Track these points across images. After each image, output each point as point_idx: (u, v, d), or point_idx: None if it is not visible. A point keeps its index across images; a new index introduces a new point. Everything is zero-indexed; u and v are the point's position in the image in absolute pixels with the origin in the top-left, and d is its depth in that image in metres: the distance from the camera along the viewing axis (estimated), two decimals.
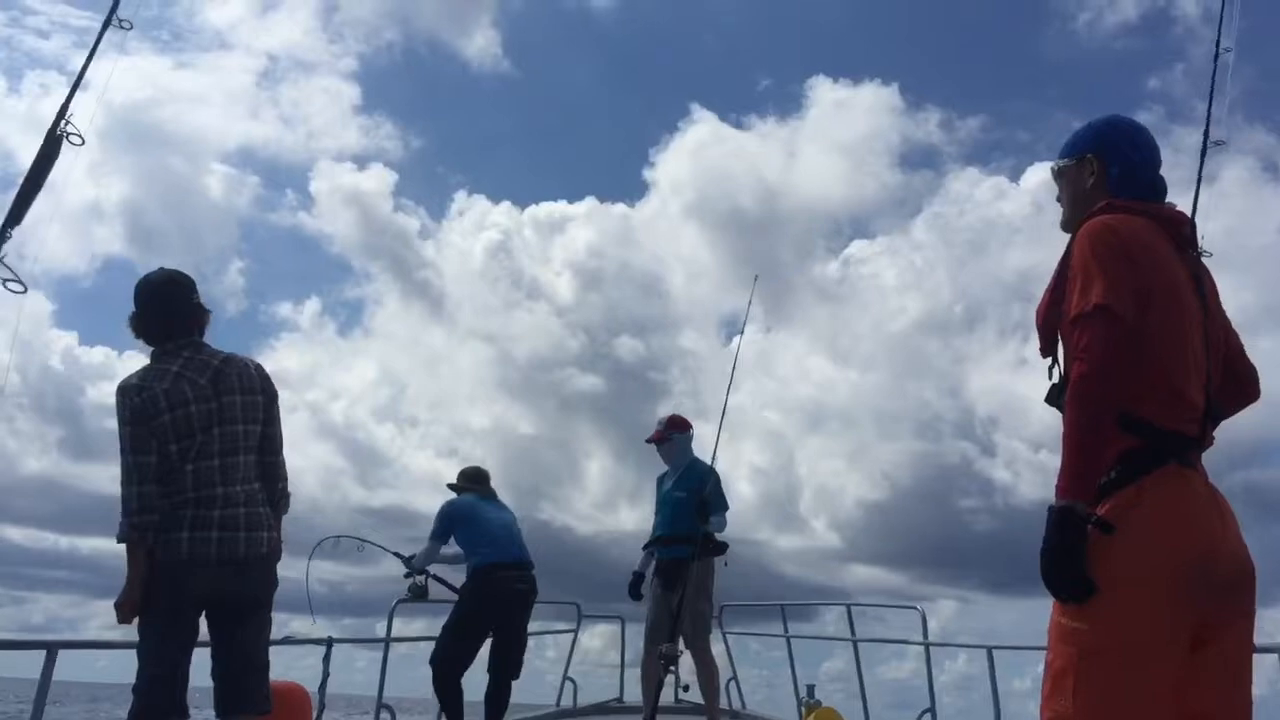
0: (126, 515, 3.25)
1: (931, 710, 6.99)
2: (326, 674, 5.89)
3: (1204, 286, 2.23)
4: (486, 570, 5.91)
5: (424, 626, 7.29)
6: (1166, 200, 2.30)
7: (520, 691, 6.40)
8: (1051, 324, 2.15)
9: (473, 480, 6.35)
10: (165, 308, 3.44)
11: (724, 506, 6.24)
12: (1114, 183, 2.26)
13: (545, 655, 9.14)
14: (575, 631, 8.64)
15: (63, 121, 2.81)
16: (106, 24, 3.12)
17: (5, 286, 2.55)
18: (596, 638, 9.28)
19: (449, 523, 6.13)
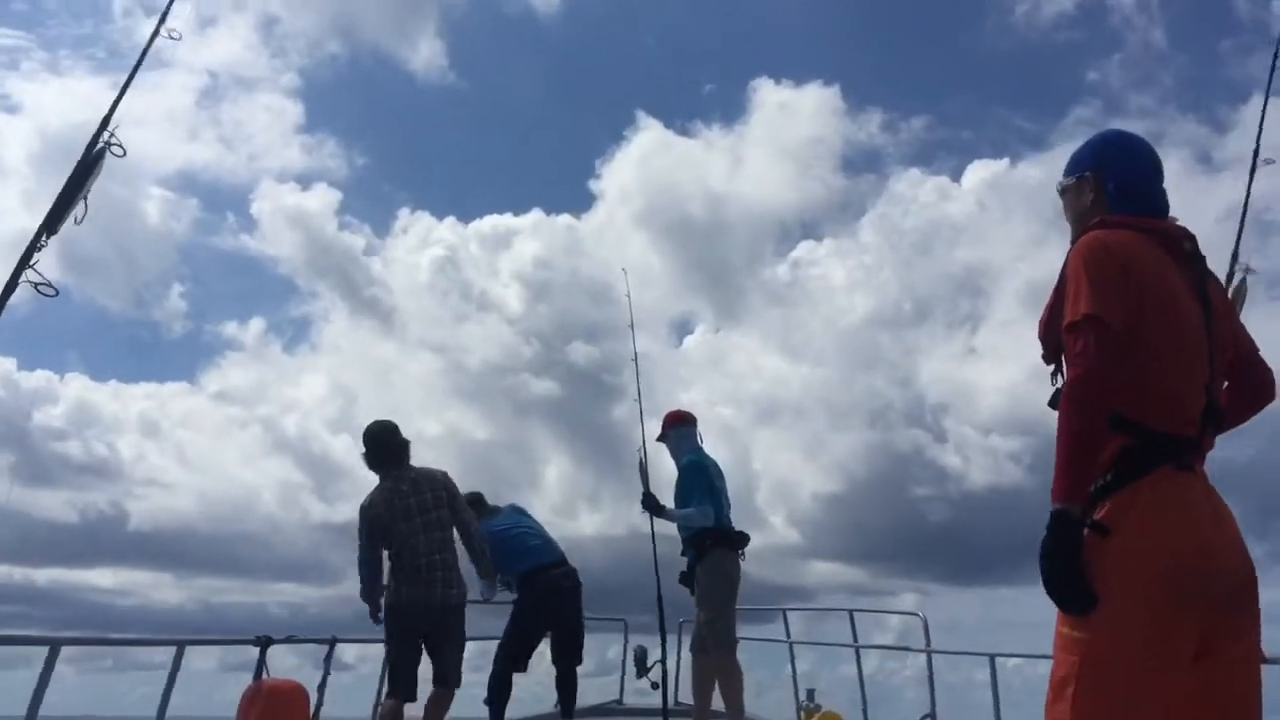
0: (361, 582, 5.27)
1: (932, 715, 6.99)
2: (327, 673, 5.90)
3: (1209, 295, 2.25)
4: (533, 573, 6.27)
5: None
6: (1170, 215, 2.32)
7: (520, 692, 6.44)
8: (1054, 335, 2.19)
9: (473, 506, 6.40)
10: (382, 448, 5.42)
11: (690, 500, 5.88)
12: (1112, 199, 2.30)
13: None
14: None
15: (105, 133, 2.81)
16: (155, 34, 3.06)
17: (38, 291, 2.59)
18: (598, 640, 9.25)
19: None
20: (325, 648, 6.10)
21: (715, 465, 6.15)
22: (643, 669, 6.33)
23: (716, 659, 5.79)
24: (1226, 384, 2.27)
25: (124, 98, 3.21)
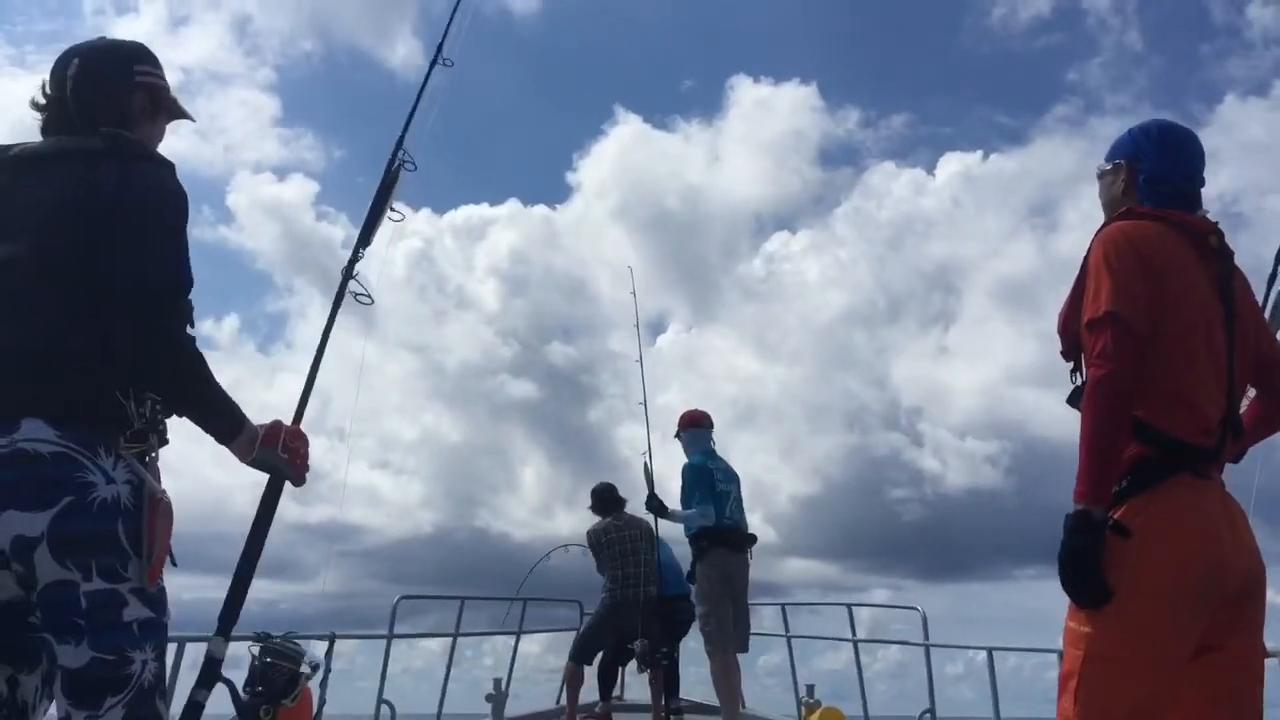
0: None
1: (931, 711, 6.99)
2: (328, 670, 5.89)
3: (1234, 297, 2.19)
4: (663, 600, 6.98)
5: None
6: (1201, 210, 2.27)
7: (520, 690, 6.52)
8: (1073, 329, 2.15)
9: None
10: (606, 500, 7.20)
11: (691, 501, 6.01)
12: (1141, 190, 2.26)
13: (543, 655, 9.20)
14: (577, 630, 8.62)
15: (400, 150, 2.92)
16: (434, 63, 3.07)
17: (357, 300, 2.81)
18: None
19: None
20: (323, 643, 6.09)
21: (725, 468, 6.25)
22: (643, 664, 6.35)
23: (712, 654, 5.88)
24: (1254, 391, 2.23)
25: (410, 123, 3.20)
